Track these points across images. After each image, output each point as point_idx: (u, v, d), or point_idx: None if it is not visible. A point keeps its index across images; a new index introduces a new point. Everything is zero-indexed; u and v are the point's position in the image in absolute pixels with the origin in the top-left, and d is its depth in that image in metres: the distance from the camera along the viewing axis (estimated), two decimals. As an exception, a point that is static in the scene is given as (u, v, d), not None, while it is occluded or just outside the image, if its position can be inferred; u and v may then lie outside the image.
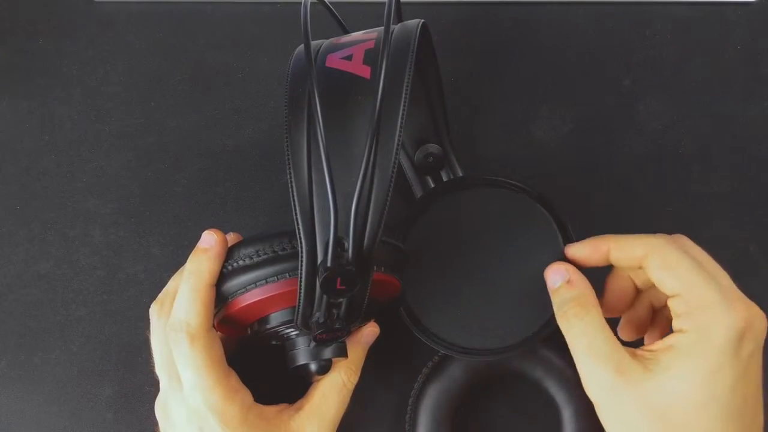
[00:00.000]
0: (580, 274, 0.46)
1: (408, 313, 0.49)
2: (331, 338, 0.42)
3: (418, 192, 0.55)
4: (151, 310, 0.47)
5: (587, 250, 0.47)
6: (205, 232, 0.45)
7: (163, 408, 0.47)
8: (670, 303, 0.42)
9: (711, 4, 0.60)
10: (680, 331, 0.41)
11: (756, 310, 0.41)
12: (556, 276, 0.46)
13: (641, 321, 0.49)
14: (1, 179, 0.58)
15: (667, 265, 0.42)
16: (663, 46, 0.59)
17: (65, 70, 0.60)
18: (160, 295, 0.48)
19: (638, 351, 0.42)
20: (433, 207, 0.51)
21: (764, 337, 0.41)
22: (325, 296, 0.39)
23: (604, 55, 0.59)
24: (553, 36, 0.60)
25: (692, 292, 0.41)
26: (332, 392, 0.47)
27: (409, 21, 0.43)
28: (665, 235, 0.44)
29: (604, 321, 0.43)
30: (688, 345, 0.40)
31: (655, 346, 0.42)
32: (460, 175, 0.55)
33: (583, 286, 0.45)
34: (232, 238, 0.48)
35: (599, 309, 0.44)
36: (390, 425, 0.54)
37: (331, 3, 0.47)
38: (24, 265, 0.57)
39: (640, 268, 0.44)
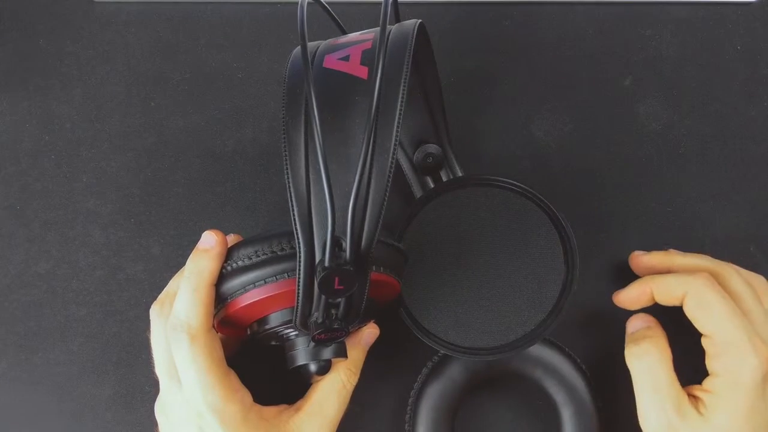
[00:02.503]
0: (658, 323, 0.49)
1: (407, 314, 0.49)
2: (330, 338, 0.42)
3: (417, 192, 0.55)
4: (151, 310, 0.47)
5: (633, 295, 0.50)
6: (206, 232, 0.45)
7: (163, 408, 0.47)
8: (703, 341, 0.46)
9: (711, 4, 0.60)
10: (713, 374, 0.45)
11: None
12: (638, 323, 0.50)
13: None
14: (1, 179, 0.58)
15: (701, 305, 0.46)
16: (663, 46, 0.59)
17: (65, 70, 0.60)
18: (160, 295, 0.48)
19: (690, 393, 0.46)
20: (433, 207, 0.51)
21: None
22: (323, 296, 0.39)
23: (604, 55, 0.59)
24: (553, 36, 0.60)
25: (721, 335, 0.45)
26: (332, 393, 0.47)
27: (406, 21, 0.43)
28: (705, 273, 0.47)
29: (671, 363, 0.46)
30: (722, 389, 0.45)
31: (699, 390, 0.46)
32: (460, 175, 0.55)
33: (659, 331, 0.49)
34: (232, 239, 0.48)
35: (669, 353, 0.47)
36: (390, 425, 0.54)
37: (328, 3, 0.47)
38: (24, 265, 0.57)
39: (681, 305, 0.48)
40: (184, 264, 0.45)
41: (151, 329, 0.47)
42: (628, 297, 0.50)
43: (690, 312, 0.47)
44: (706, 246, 0.55)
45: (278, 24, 0.60)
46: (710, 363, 0.46)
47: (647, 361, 0.46)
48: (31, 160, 0.58)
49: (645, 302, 0.50)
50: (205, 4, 0.61)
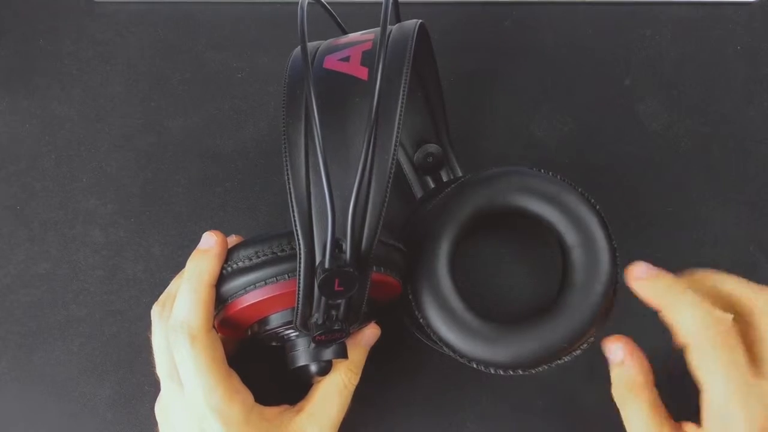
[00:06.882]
0: (637, 352, 0.44)
1: (407, 314, 0.49)
2: (331, 339, 0.42)
3: (418, 192, 0.55)
4: (152, 311, 0.47)
5: (644, 291, 0.44)
6: (206, 233, 0.45)
7: (164, 409, 0.47)
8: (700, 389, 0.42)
9: (711, 4, 0.60)
10: (703, 426, 0.41)
11: None
12: (618, 351, 0.44)
13: None
14: (1, 179, 0.58)
15: (705, 357, 0.41)
16: (663, 46, 0.59)
17: (65, 70, 0.60)
18: (161, 296, 0.47)
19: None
20: (432, 207, 0.51)
21: None
22: (323, 298, 0.39)
23: (604, 55, 0.59)
24: (553, 36, 0.60)
25: (715, 392, 0.40)
26: (333, 393, 0.47)
27: (406, 21, 0.43)
28: (728, 319, 0.41)
29: (655, 405, 0.43)
30: None
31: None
32: (460, 175, 0.55)
33: (637, 367, 0.44)
34: (233, 240, 0.48)
35: (651, 392, 0.43)
36: (390, 425, 0.54)
37: (329, 3, 0.47)
38: (24, 265, 0.57)
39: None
40: (184, 264, 0.45)
41: (152, 330, 0.47)
42: (649, 284, 0.43)
43: (689, 357, 0.41)
44: (706, 246, 0.55)
45: (278, 24, 0.60)
46: (703, 413, 0.41)
47: (632, 406, 0.43)
48: (31, 160, 0.58)
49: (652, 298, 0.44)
50: (205, 4, 0.61)
